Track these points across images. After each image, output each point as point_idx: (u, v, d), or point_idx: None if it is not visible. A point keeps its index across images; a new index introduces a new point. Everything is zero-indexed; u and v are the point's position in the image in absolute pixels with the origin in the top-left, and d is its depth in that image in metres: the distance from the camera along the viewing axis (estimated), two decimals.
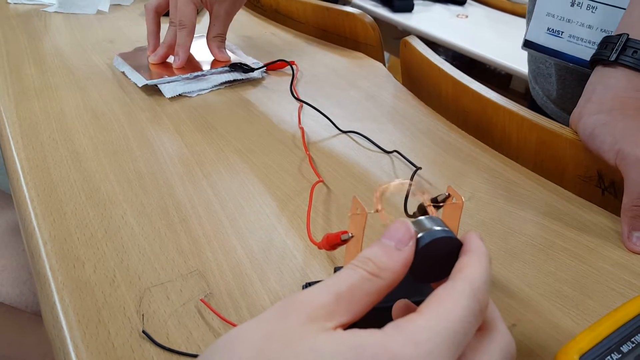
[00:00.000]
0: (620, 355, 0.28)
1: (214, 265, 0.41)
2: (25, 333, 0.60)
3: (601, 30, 0.52)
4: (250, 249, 0.43)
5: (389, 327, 0.22)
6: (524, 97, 2.18)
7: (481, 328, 0.25)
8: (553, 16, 0.51)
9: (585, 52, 0.53)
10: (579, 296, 0.39)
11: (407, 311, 0.24)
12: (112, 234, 0.44)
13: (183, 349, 0.34)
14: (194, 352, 0.34)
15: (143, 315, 0.36)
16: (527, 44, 0.54)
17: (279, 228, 0.45)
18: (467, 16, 2.39)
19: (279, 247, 0.43)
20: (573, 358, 0.27)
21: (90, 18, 0.99)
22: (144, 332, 0.35)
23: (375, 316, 0.24)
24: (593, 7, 0.50)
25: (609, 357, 0.27)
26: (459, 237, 0.27)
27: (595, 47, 0.50)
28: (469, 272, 0.25)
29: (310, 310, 0.23)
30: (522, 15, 2.34)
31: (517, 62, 1.89)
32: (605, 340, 0.28)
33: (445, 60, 0.68)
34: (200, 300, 0.38)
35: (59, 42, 0.86)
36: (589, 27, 0.52)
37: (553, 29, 0.51)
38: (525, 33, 0.56)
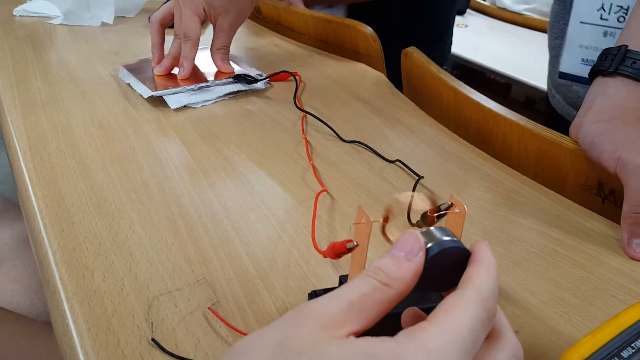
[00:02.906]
0: None
1: (220, 273, 0.42)
2: (37, 342, 0.60)
3: None
4: (256, 257, 0.44)
5: (401, 335, 0.23)
6: (524, 105, 2.19)
7: (489, 336, 0.26)
8: (587, 47, 0.52)
9: None
10: (580, 303, 0.40)
11: (416, 319, 0.25)
12: (120, 244, 0.45)
13: (192, 357, 0.35)
14: None
15: (152, 323, 0.37)
16: (563, 76, 0.55)
17: (283, 237, 0.46)
18: (467, 25, 2.41)
19: (284, 256, 0.44)
20: None
21: (95, 30, 1.01)
22: (153, 339, 0.36)
23: (385, 322, 0.25)
24: None
25: None
26: (466, 246, 0.28)
27: None
28: (477, 281, 0.25)
29: (323, 319, 0.23)
30: (521, 25, 2.36)
31: (517, 71, 1.90)
32: (606, 345, 0.29)
33: (445, 69, 0.69)
34: (208, 308, 0.38)
35: (65, 54, 0.87)
36: None
37: (588, 59, 0.52)
38: (559, 65, 0.56)
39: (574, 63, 0.55)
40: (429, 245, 0.27)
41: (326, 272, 0.42)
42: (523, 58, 2.02)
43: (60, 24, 1.02)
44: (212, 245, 0.45)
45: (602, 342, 0.29)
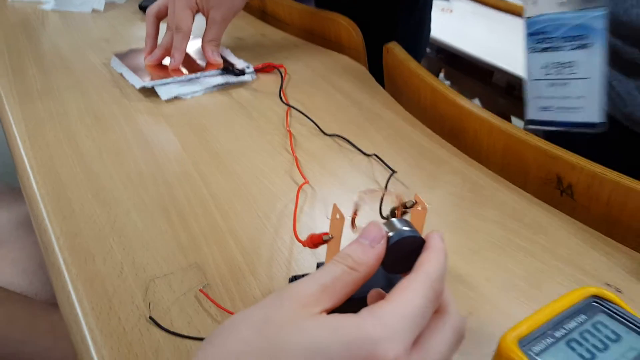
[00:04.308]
0: (554, 340, 0.33)
1: (210, 259, 0.46)
2: (37, 319, 0.64)
3: (577, 97, 0.59)
4: (242, 245, 0.48)
5: (363, 312, 0.28)
6: (506, 91, 2.24)
7: (437, 311, 0.31)
8: (540, 97, 0.61)
9: (572, 116, 0.61)
10: (531, 290, 0.45)
11: (379, 298, 0.30)
12: (119, 230, 0.49)
13: (185, 333, 0.39)
14: (195, 335, 0.39)
15: (150, 303, 0.42)
16: (529, 122, 0.63)
17: (268, 226, 0.51)
18: (451, 10, 2.44)
19: (268, 244, 0.48)
20: (513, 342, 0.32)
21: (86, 16, 1.03)
22: (150, 318, 0.40)
23: (354, 305, 0.30)
24: (564, 83, 0.59)
25: (543, 341, 0.33)
26: (423, 235, 0.33)
27: (579, 111, 0.57)
28: (427, 266, 0.31)
29: (301, 299, 0.28)
30: (505, 11, 2.40)
31: (500, 58, 1.95)
32: (542, 326, 0.34)
33: (429, 53, 0.73)
34: (199, 290, 0.43)
35: (58, 41, 0.89)
36: (565, 97, 0.60)
37: (544, 106, 0.60)
38: (526, 115, 0.66)
39: (535, 111, 0.66)
40: (390, 234, 0.32)
41: (306, 259, 0.47)
42: (505, 45, 2.06)
43: (51, 10, 1.04)
44: (203, 232, 0.49)
45: (539, 323, 0.34)
